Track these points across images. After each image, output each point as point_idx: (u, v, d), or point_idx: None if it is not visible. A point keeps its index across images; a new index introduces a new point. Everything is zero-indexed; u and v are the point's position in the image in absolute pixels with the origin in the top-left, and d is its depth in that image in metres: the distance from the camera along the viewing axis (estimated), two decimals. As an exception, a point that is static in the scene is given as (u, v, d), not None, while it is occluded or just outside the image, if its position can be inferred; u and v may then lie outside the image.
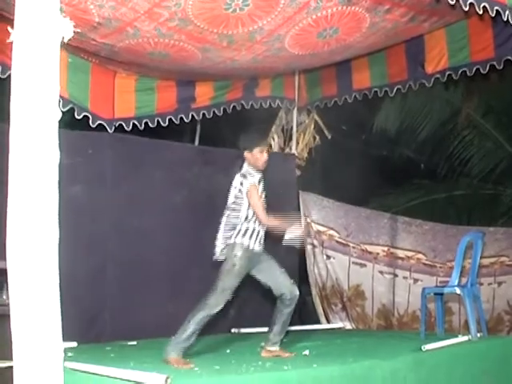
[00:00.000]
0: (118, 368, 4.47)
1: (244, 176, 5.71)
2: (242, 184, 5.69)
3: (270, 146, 5.57)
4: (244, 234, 5.68)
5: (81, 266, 6.89)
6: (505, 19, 5.43)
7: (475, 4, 5.20)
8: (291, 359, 5.42)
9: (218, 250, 5.81)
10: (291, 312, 5.88)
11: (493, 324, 8.48)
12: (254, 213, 5.66)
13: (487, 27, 7.04)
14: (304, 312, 8.87)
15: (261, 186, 5.74)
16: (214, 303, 5.59)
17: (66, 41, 2.05)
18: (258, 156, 5.73)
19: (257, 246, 5.74)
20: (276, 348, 5.80)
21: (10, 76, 2.81)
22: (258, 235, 5.72)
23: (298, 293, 5.89)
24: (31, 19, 1.93)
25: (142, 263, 7.30)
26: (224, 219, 5.80)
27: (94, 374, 4.52)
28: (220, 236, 5.80)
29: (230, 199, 5.78)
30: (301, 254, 8.65)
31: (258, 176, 5.75)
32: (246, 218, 5.69)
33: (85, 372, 4.61)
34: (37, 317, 1.97)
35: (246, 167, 5.79)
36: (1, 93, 4.05)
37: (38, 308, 1.99)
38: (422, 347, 5.69)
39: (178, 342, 5.43)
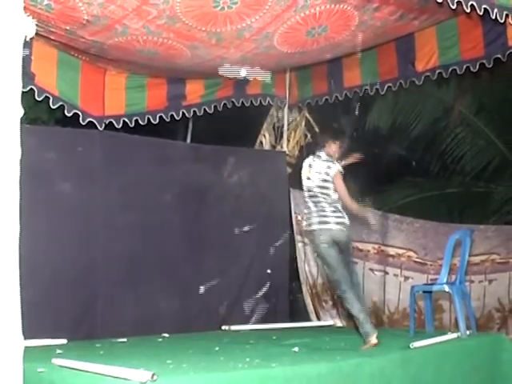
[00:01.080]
0: (106, 365, 4.48)
1: (331, 161, 6.19)
2: (329, 168, 6.14)
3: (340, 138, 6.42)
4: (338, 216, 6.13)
5: (71, 262, 6.91)
6: (493, 17, 5.43)
7: (463, 2, 5.20)
8: (280, 356, 5.40)
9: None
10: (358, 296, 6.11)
11: (483, 321, 8.50)
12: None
13: (477, 25, 7.03)
14: (294, 309, 8.90)
15: None
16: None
17: (28, 40, 2.05)
18: (337, 147, 6.29)
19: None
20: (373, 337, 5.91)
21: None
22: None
23: (357, 280, 6.34)
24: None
25: (133, 260, 7.31)
26: (310, 201, 6.20)
27: (81, 370, 4.52)
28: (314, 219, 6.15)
29: (316, 183, 6.17)
30: (291, 251, 8.68)
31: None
32: (334, 201, 6.13)
33: (72, 369, 4.62)
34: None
35: (325, 155, 6.23)
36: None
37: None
38: (411, 345, 5.68)
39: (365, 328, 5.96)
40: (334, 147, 6.27)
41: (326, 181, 6.12)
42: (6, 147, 1.94)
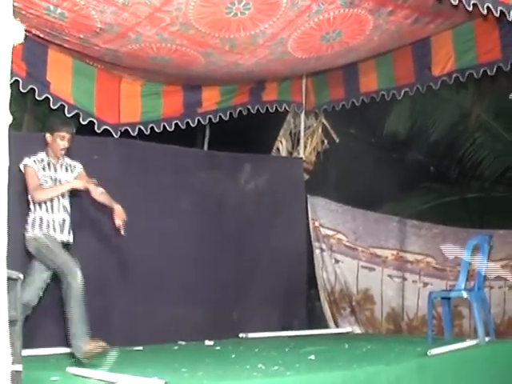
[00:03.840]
0: (120, 374, 4.47)
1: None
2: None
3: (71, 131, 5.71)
4: (33, 225, 5.60)
5: (86, 270, 6.88)
6: (510, 19, 5.34)
7: (479, 4, 5.13)
8: (296, 364, 5.34)
9: None
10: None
11: (504, 328, 8.38)
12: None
13: (494, 28, 6.95)
14: (312, 317, 8.85)
15: (49, 170, 5.65)
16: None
17: (16, 45, 2.01)
18: (56, 140, 5.64)
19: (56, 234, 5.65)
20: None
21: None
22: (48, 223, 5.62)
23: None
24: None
25: (149, 268, 7.29)
26: None
27: (94, 379, 4.51)
28: None
29: None
30: (309, 258, 8.64)
31: (45, 159, 5.66)
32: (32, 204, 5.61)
33: (85, 377, 4.61)
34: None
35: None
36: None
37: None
38: (428, 352, 5.63)
39: None
40: (51, 140, 5.68)
41: None
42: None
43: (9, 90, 1.99)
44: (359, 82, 8.33)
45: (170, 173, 7.69)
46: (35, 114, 9.46)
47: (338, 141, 9.04)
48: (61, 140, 5.65)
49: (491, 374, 5.95)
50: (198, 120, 8.04)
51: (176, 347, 6.84)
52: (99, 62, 7.06)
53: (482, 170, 11.54)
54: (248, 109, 8.32)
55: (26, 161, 5.58)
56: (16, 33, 1.97)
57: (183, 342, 7.08)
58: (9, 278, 2.87)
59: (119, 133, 7.55)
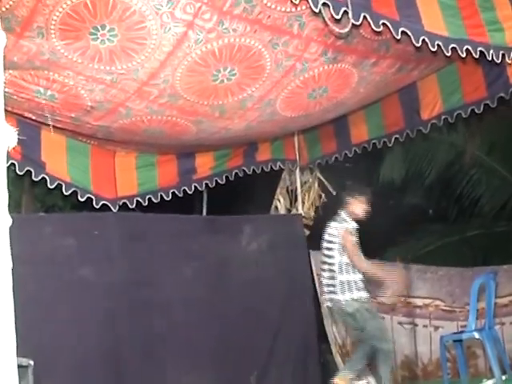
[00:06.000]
0: None
1: (344, 221, 6.17)
2: (335, 229, 6.12)
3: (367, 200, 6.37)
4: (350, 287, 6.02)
5: (94, 345, 6.88)
6: (489, 59, 5.41)
7: (458, 48, 5.20)
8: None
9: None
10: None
11: (520, 364, 8.32)
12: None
13: (477, 67, 7.00)
14: (326, 371, 8.75)
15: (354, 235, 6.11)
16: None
17: (10, 150, 2.05)
18: (361, 204, 6.22)
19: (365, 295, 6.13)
20: None
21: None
22: (360, 284, 6.08)
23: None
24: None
25: (156, 338, 7.26)
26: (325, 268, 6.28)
27: None
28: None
29: (324, 248, 6.26)
30: (317, 313, 8.57)
31: (353, 224, 6.16)
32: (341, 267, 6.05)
33: None
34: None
35: (342, 214, 6.21)
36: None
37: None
38: (446, 397, 5.60)
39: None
40: (355, 204, 6.22)
41: (328, 248, 6.19)
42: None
43: (7, 195, 2.01)
44: (350, 133, 8.33)
45: (171, 241, 7.67)
46: (33, 195, 9.52)
47: (335, 193, 9.04)
48: (364, 204, 6.23)
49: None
50: (195, 186, 8.08)
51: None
52: (92, 139, 7.14)
53: (481, 207, 11.57)
54: (243, 170, 8.37)
55: (354, 225, 6.22)
56: (9, 137, 2.00)
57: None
58: (19, 366, 2.86)
59: (118, 206, 7.60)
